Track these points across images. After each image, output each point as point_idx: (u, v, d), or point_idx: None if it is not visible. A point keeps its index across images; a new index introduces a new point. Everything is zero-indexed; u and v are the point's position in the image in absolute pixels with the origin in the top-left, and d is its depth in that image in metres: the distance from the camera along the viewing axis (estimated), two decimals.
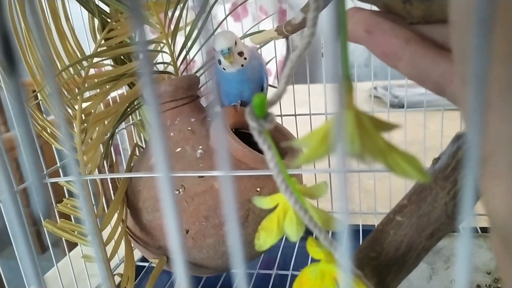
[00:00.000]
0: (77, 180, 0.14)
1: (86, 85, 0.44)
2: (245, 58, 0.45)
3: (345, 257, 0.12)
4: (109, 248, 0.46)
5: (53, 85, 0.12)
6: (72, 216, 0.46)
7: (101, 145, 0.49)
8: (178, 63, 0.51)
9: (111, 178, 0.55)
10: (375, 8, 0.21)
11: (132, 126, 0.59)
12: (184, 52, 0.51)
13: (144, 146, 0.57)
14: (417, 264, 0.26)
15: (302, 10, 0.35)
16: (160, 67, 0.53)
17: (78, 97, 0.43)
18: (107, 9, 0.48)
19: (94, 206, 0.46)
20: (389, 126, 0.15)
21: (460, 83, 0.14)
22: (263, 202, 0.22)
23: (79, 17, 0.50)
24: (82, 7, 0.47)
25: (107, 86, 0.45)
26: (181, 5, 0.48)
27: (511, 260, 0.14)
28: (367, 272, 0.25)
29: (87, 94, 0.46)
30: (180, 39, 0.51)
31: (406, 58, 0.19)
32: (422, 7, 0.18)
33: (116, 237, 0.46)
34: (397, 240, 0.26)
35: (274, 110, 0.17)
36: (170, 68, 0.51)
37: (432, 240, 0.25)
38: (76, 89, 0.45)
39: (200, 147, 0.45)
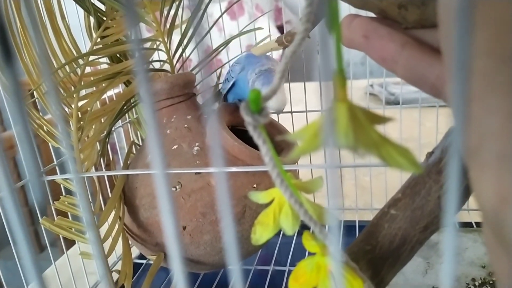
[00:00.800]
0: (75, 177, 0.14)
1: (82, 83, 0.44)
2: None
3: (337, 248, 0.13)
4: (107, 246, 0.46)
5: (50, 83, 0.12)
6: (69, 213, 0.46)
7: (97, 143, 0.49)
8: (174, 61, 0.51)
9: (108, 176, 0.55)
10: (370, 14, 0.21)
11: (128, 124, 0.59)
12: (180, 50, 0.51)
13: (140, 144, 0.57)
14: (412, 256, 0.27)
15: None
16: (156, 65, 0.53)
17: (74, 95, 0.43)
18: (102, 7, 0.48)
19: (91, 204, 0.46)
20: (382, 119, 0.15)
21: (449, 79, 0.14)
22: (259, 197, 0.23)
23: (75, 15, 0.49)
24: (77, 5, 0.47)
25: (103, 84, 0.45)
26: (177, 3, 0.48)
27: (503, 253, 0.14)
28: (363, 265, 0.26)
29: (83, 92, 0.46)
30: (176, 37, 0.51)
31: (403, 61, 0.19)
32: (417, 12, 0.19)
33: (113, 234, 0.46)
34: (391, 233, 0.26)
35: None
36: (166, 66, 0.51)
37: (426, 233, 0.26)
38: (72, 87, 0.45)
39: (197, 144, 0.45)
